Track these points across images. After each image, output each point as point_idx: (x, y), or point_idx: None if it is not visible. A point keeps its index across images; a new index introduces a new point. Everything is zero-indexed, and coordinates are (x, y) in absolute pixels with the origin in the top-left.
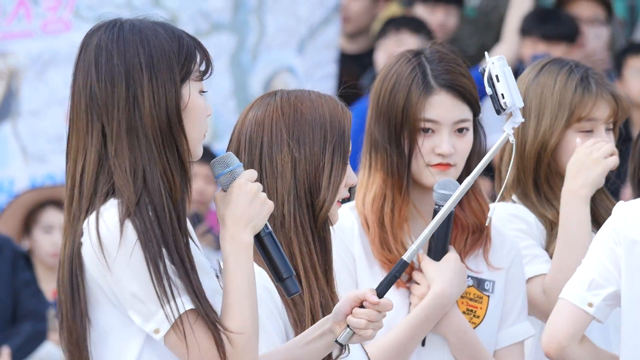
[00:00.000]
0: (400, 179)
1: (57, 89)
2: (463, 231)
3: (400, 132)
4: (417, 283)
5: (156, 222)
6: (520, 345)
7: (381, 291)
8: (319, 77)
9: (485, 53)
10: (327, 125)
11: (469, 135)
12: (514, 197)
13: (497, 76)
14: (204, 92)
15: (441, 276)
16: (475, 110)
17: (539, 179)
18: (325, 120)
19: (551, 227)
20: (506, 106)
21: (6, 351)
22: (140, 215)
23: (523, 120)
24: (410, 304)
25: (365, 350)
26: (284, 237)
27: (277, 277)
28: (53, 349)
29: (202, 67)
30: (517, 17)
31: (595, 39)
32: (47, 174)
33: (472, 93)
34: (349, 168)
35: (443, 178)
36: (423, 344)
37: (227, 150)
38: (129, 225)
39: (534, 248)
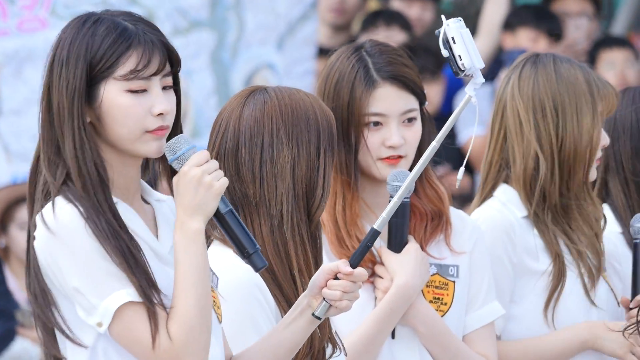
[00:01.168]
0: (348, 175)
1: (36, 88)
2: (422, 219)
3: (347, 129)
4: (380, 277)
5: (93, 213)
6: (490, 327)
7: (354, 262)
8: (298, 74)
9: (442, 16)
10: (320, 126)
11: (417, 125)
12: (499, 194)
13: (453, 38)
14: (138, 91)
15: (403, 268)
16: (421, 99)
17: (570, 190)
18: (317, 121)
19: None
20: (464, 67)
21: None
22: (76, 207)
23: (484, 81)
24: (375, 298)
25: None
26: (280, 236)
27: (242, 253)
28: (29, 346)
29: (138, 67)
30: (493, 10)
31: (575, 30)
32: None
33: (415, 82)
34: None
35: (394, 170)
36: (393, 336)
37: (214, 146)
38: (65, 218)
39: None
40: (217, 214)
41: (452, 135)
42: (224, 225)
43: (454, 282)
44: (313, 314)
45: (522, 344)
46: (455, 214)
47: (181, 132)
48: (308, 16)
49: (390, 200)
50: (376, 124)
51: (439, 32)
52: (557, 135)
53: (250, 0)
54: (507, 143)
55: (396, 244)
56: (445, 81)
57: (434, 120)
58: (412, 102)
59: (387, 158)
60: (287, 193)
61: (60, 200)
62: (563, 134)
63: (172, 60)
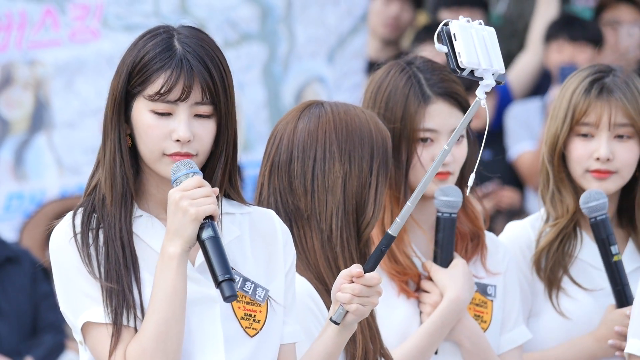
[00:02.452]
0: (398, 191)
1: (88, 99)
2: (462, 238)
3: (398, 144)
4: (427, 291)
5: (80, 231)
6: (519, 349)
7: (368, 267)
8: (347, 87)
9: (450, 19)
10: (374, 143)
11: (465, 143)
12: (542, 211)
13: (454, 35)
14: (163, 113)
15: (454, 282)
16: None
17: (550, 181)
18: (372, 137)
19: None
20: (463, 65)
21: None
22: (72, 221)
23: (494, 84)
24: (420, 313)
25: None
26: (330, 251)
27: (214, 280)
28: (75, 359)
29: (162, 90)
30: (542, 24)
31: (628, 37)
32: (79, 184)
33: (466, 100)
34: None
35: (443, 185)
36: (436, 352)
37: (269, 158)
38: (55, 236)
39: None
40: (199, 239)
41: (502, 149)
42: (203, 251)
43: (492, 301)
44: (330, 319)
45: (529, 359)
46: (488, 236)
47: (220, 159)
48: (358, 29)
49: (437, 217)
50: (426, 140)
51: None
52: (543, 140)
53: (300, 13)
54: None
55: (443, 259)
56: (496, 96)
57: (476, 137)
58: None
59: (439, 174)
60: (337, 208)
61: (66, 216)
62: (543, 137)
63: (209, 91)
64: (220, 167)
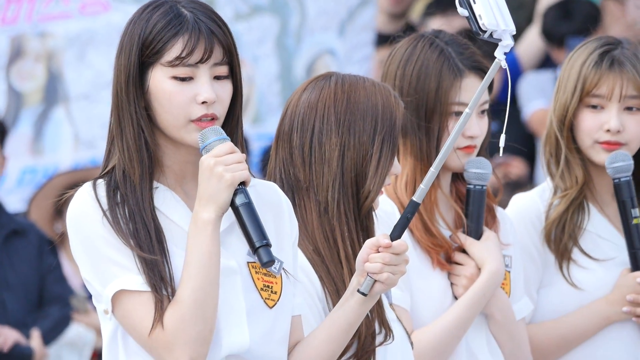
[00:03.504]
0: (430, 164)
1: (101, 71)
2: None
3: (430, 117)
4: (459, 264)
5: (120, 200)
6: (524, 320)
7: (395, 235)
8: (357, 59)
9: None
10: (379, 116)
11: (486, 117)
12: (547, 182)
13: None
14: (184, 78)
15: (492, 254)
16: (490, 90)
17: (561, 152)
18: (376, 110)
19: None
20: (485, 27)
21: (37, 333)
22: (95, 194)
23: (512, 43)
24: (452, 285)
25: (410, 341)
26: (327, 222)
27: (250, 246)
28: (84, 332)
29: (182, 54)
30: None
31: (635, 9)
32: (92, 158)
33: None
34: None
35: (471, 158)
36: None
37: (277, 130)
38: (76, 206)
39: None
40: (233, 206)
41: (512, 121)
42: (237, 217)
43: (509, 272)
44: (358, 290)
45: (542, 328)
46: (495, 209)
47: (238, 122)
48: (367, 2)
49: (467, 189)
50: (458, 113)
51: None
52: (550, 111)
53: None
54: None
55: (474, 232)
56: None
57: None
58: (486, 94)
59: (465, 147)
60: (334, 180)
61: (85, 187)
62: (551, 108)
63: (226, 50)
64: (238, 133)
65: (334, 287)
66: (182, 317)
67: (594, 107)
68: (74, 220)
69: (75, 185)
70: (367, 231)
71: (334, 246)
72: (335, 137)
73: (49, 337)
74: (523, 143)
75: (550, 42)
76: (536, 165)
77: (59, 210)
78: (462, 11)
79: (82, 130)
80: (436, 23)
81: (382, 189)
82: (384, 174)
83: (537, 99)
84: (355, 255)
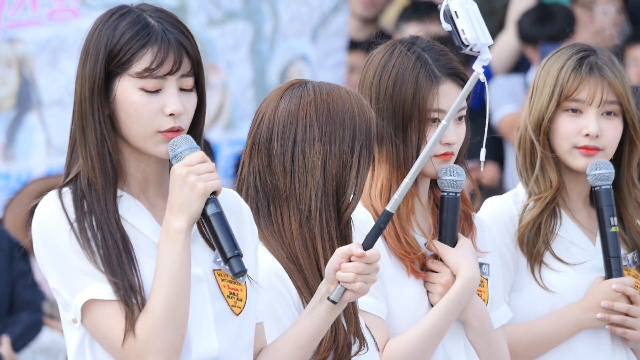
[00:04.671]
0: (407, 171)
1: (74, 78)
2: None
3: (408, 124)
4: (435, 271)
5: (86, 209)
6: (504, 328)
7: (367, 244)
8: (330, 65)
9: None
10: (356, 125)
11: (464, 123)
12: (519, 186)
13: (455, 12)
14: (152, 90)
15: (466, 261)
16: (468, 98)
17: (537, 157)
18: (354, 119)
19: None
20: (468, 42)
21: (6, 340)
22: (61, 202)
23: (491, 57)
24: (428, 293)
25: (377, 348)
26: (308, 231)
27: (222, 256)
28: (58, 338)
29: (152, 66)
30: (521, 4)
31: (603, 16)
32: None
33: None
34: None
35: (446, 165)
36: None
37: (250, 137)
38: (43, 215)
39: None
40: (204, 215)
41: (482, 125)
42: (208, 227)
43: (487, 279)
44: (328, 298)
45: (514, 331)
46: (473, 216)
47: (201, 134)
48: (339, 7)
49: (441, 197)
50: (435, 120)
51: (440, 7)
52: (524, 116)
53: None
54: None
55: (449, 239)
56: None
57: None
58: (464, 101)
59: (442, 155)
60: (317, 189)
61: (50, 196)
62: (526, 114)
63: (194, 62)
64: (201, 144)
65: (311, 295)
66: (154, 326)
67: (574, 111)
68: (40, 229)
69: (47, 192)
70: (346, 240)
71: (314, 255)
72: (318, 145)
73: (19, 344)
74: (493, 147)
75: (525, 43)
76: (505, 170)
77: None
78: (446, 26)
79: (55, 136)
80: (413, 29)
81: None
82: (363, 182)
83: (507, 104)
84: None
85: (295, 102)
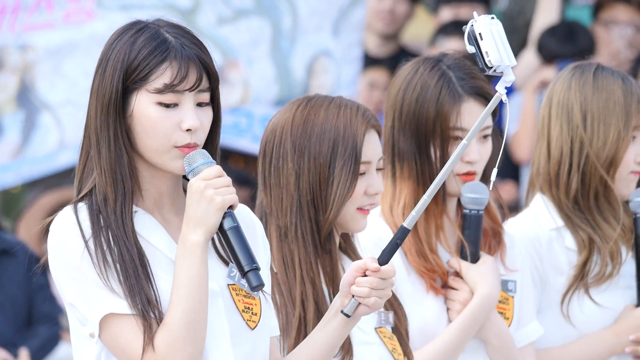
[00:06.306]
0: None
1: (75, 81)
2: (484, 236)
3: (430, 141)
4: (455, 289)
5: (103, 224)
6: (533, 345)
7: (383, 259)
8: (352, 59)
9: (474, 13)
10: (339, 138)
11: (490, 141)
12: (533, 204)
13: (480, 34)
14: (169, 105)
15: (484, 279)
16: (494, 116)
17: (599, 193)
18: (337, 132)
19: (589, 249)
20: (492, 64)
21: (25, 352)
22: (76, 218)
23: (514, 78)
24: (448, 310)
25: None
26: (287, 246)
27: (239, 270)
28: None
29: (174, 82)
30: (544, 22)
31: (620, 38)
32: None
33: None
34: (372, 176)
35: (470, 182)
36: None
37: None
38: (59, 230)
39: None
40: (221, 229)
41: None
42: (225, 241)
43: (513, 297)
44: (342, 312)
45: (549, 355)
46: (504, 232)
47: (217, 148)
48: (357, 1)
49: (463, 214)
50: (456, 138)
51: (465, 28)
52: (580, 142)
53: None
54: (537, 148)
55: (471, 256)
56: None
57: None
58: (489, 119)
59: (465, 174)
60: (291, 204)
61: (66, 211)
62: (586, 142)
63: (210, 77)
64: (217, 159)
65: (292, 308)
66: (173, 339)
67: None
68: (56, 245)
69: (62, 204)
70: (331, 254)
71: (291, 269)
72: (290, 162)
73: (37, 356)
74: (510, 166)
75: (545, 60)
76: (520, 188)
77: (48, 230)
78: (470, 48)
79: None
80: (453, 44)
81: (365, 209)
82: (344, 196)
83: (513, 122)
84: (311, 280)
85: (278, 118)
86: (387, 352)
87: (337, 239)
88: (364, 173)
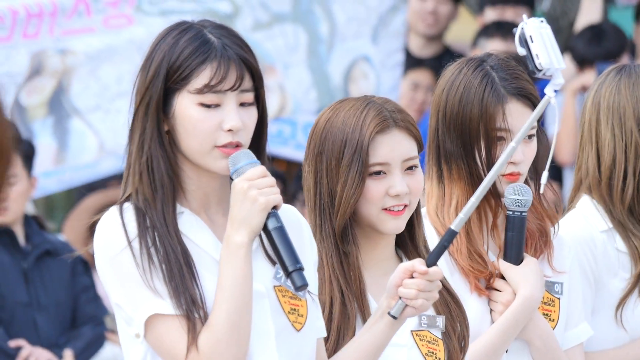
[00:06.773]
0: (476, 188)
1: (108, 85)
2: (531, 237)
3: (475, 142)
4: (498, 290)
5: (149, 225)
6: (582, 346)
7: (430, 261)
8: (392, 65)
9: (524, 15)
10: (347, 137)
11: (534, 142)
12: (580, 206)
13: (530, 37)
14: (210, 105)
15: (527, 279)
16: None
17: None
18: (346, 133)
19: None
20: (542, 67)
21: (69, 353)
22: (121, 219)
23: (563, 82)
24: (491, 311)
25: None
26: (318, 245)
27: (284, 270)
28: (119, 352)
29: (212, 82)
30: (587, 23)
31: None
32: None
33: (538, 99)
34: (394, 176)
35: (514, 183)
36: (506, 350)
37: None
38: (105, 231)
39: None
40: (266, 229)
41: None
42: (270, 241)
43: (559, 299)
44: (389, 313)
45: (600, 357)
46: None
47: (264, 149)
48: (397, 8)
49: (507, 216)
50: (500, 138)
51: (516, 30)
52: (635, 147)
53: None
54: (584, 152)
55: (514, 258)
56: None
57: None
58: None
59: (509, 174)
60: (314, 204)
61: (111, 212)
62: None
63: (253, 77)
64: (263, 160)
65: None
66: (217, 340)
67: None
68: (102, 245)
69: (107, 205)
70: (348, 257)
71: (320, 270)
72: (311, 165)
73: (82, 357)
74: (553, 168)
75: (581, 65)
76: (564, 189)
77: (93, 231)
78: (521, 50)
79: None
80: (494, 45)
81: (393, 210)
82: (350, 196)
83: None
84: (337, 281)
85: (318, 121)
86: (419, 355)
87: (361, 241)
88: (380, 173)
